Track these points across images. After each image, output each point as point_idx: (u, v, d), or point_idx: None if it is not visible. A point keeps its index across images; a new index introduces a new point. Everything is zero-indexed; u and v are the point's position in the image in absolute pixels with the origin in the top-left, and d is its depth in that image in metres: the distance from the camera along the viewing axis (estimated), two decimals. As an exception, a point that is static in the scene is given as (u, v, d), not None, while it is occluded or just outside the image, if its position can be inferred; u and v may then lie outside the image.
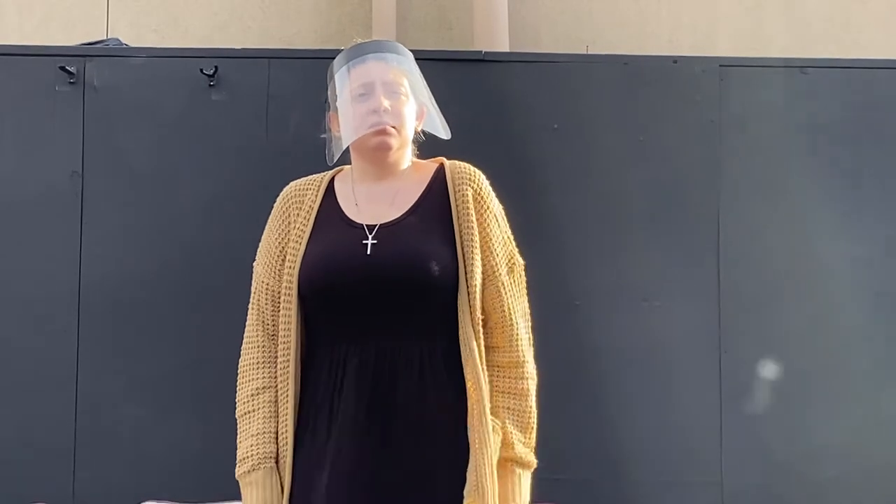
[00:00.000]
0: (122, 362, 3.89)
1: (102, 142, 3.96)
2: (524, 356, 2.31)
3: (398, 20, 5.32)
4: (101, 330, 3.90)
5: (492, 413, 2.27)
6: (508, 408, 2.29)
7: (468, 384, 2.21)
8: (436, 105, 2.42)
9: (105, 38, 4.55)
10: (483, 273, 2.28)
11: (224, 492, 3.56)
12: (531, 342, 2.35)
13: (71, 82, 3.96)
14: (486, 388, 2.24)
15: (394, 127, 2.29)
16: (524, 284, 2.36)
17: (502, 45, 5.21)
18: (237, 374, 2.37)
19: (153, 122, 3.97)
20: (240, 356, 2.38)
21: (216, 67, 3.96)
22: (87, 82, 3.97)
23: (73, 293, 3.90)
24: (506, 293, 2.30)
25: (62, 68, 3.94)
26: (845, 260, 3.97)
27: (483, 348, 2.26)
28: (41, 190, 3.94)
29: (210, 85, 3.97)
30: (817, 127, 4.02)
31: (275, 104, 3.96)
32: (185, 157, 3.97)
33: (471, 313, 2.24)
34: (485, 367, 2.25)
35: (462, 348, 2.22)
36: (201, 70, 3.95)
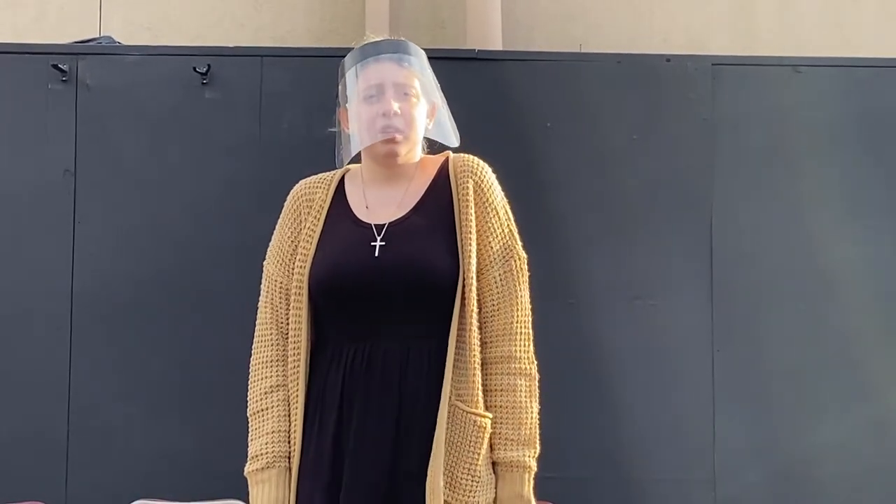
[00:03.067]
0: (115, 361, 3.88)
1: (95, 140, 3.95)
2: (515, 350, 2.29)
3: (391, 18, 5.32)
4: (94, 328, 3.89)
5: (488, 411, 2.28)
6: (499, 405, 2.27)
7: (444, 378, 2.21)
8: (448, 107, 2.42)
9: (98, 36, 4.53)
10: (477, 266, 2.28)
11: (216, 491, 3.56)
12: (530, 338, 2.33)
13: (63, 80, 3.95)
14: (473, 382, 2.23)
15: (402, 133, 2.30)
16: (525, 279, 2.34)
17: (495, 43, 5.21)
18: (249, 372, 2.37)
19: (146, 120, 3.97)
20: (250, 353, 2.38)
21: (209, 66, 3.95)
22: (79, 80, 3.96)
23: (65, 292, 3.89)
24: (497, 287, 2.30)
25: (55, 66, 3.93)
26: (838, 258, 3.98)
27: (476, 342, 2.26)
28: (34, 188, 3.93)
29: (203, 83, 3.96)
30: (810, 125, 4.02)
31: (268, 102, 3.95)
32: (178, 155, 3.96)
33: (464, 307, 2.24)
34: (476, 362, 2.25)
35: (449, 342, 2.22)
36: (194, 68, 3.95)
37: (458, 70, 3.92)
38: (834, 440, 3.93)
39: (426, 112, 2.38)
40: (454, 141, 2.41)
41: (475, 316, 2.25)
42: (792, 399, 3.94)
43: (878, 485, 3.94)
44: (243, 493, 2.34)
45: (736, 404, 3.92)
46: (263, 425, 2.30)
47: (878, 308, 3.98)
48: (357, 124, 2.32)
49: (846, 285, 3.98)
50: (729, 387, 3.93)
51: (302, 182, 2.44)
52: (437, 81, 2.42)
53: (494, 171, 2.43)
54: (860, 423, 3.94)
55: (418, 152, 2.41)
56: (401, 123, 2.30)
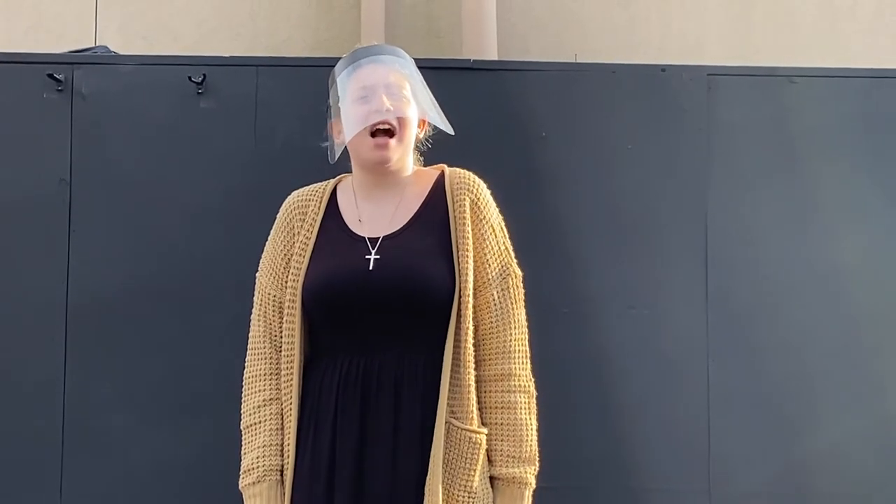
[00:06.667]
0: (109, 371, 3.87)
1: (90, 149, 3.95)
2: (513, 368, 2.29)
3: (387, 28, 5.33)
4: (89, 337, 3.88)
5: (485, 427, 2.28)
6: (498, 422, 2.28)
7: (440, 395, 2.21)
8: (438, 106, 2.42)
9: (93, 45, 4.54)
10: (475, 284, 2.28)
11: (212, 500, 3.55)
12: (527, 355, 2.33)
13: (59, 90, 3.95)
14: (467, 399, 2.23)
15: (394, 135, 2.29)
16: (521, 296, 2.35)
17: (491, 53, 5.21)
18: (242, 385, 2.37)
19: (141, 129, 3.96)
20: (244, 366, 2.38)
21: (204, 75, 3.95)
22: (75, 90, 3.96)
23: (60, 301, 3.88)
24: (495, 306, 2.30)
25: (50, 76, 3.93)
26: (833, 268, 3.98)
27: (471, 359, 2.25)
28: (29, 197, 3.92)
29: (198, 93, 3.96)
30: (805, 136, 4.03)
31: (263, 112, 3.96)
32: (174, 164, 3.96)
33: (459, 324, 2.24)
34: (471, 379, 2.24)
35: (444, 360, 2.22)
36: (190, 78, 3.95)
37: (453, 80, 3.93)
38: (830, 449, 3.93)
39: (417, 120, 2.38)
40: (445, 128, 2.40)
41: (470, 333, 2.25)
42: (788, 407, 3.94)
43: (876, 493, 3.94)
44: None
45: (731, 413, 3.92)
46: (255, 439, 2.29)
47: (874, 316, 3.98)
48: (346, 121, 2.31)
49: (841, 294, 3.98)
50: (724, 395, 3.92)
51: (294, 194, 2.43)
52: (427, 87, 2.42)
53: (489, 181, 2.43)
54: (857, 432, 3.94)
55: (410, 163, 2.40)
56: (392, 118, 2.29)
